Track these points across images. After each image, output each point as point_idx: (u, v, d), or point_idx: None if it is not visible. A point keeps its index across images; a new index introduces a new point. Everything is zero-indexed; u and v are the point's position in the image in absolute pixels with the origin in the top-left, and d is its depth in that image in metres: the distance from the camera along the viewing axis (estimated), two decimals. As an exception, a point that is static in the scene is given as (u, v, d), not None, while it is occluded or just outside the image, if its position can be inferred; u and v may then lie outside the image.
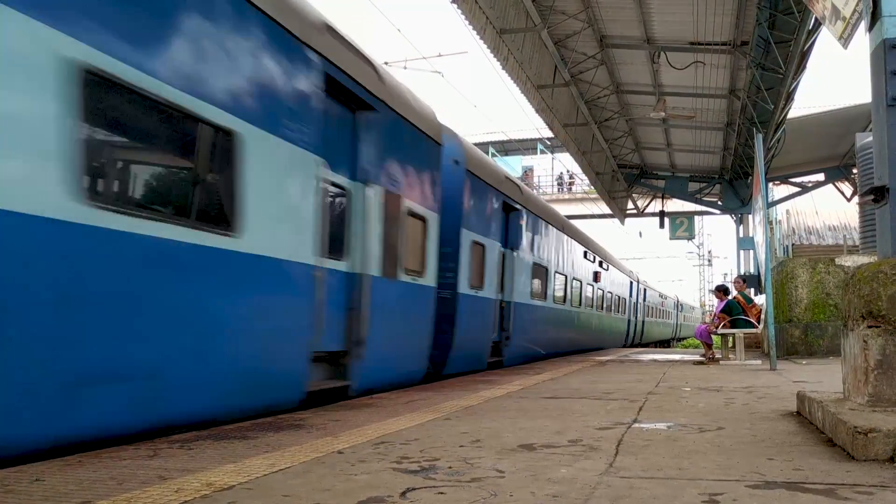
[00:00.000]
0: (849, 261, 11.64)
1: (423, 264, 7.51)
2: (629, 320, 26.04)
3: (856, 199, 20.95)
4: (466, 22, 12.27)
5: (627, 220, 28.95)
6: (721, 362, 11.26)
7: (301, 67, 5.22)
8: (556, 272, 14.01)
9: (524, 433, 3.86)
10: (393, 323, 6.84)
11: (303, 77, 5.23)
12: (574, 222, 18.49)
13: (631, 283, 26.33)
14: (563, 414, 4.69)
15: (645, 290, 31.00)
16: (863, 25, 4.10)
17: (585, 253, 17.15)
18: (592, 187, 25.23)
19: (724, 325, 11.46)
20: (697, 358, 12.55)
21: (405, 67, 24.66)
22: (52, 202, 3.31)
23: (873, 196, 3.87)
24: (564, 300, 15.13)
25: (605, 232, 48.99)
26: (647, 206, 27.46)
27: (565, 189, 41.59)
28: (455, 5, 11.86)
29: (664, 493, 2.48)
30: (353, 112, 6.24)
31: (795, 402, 4.62)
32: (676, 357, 13.91)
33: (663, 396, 5.77)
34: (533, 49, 14.58)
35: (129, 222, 3.74)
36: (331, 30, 5.71)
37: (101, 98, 3.68)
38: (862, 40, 4.16)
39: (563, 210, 21.53)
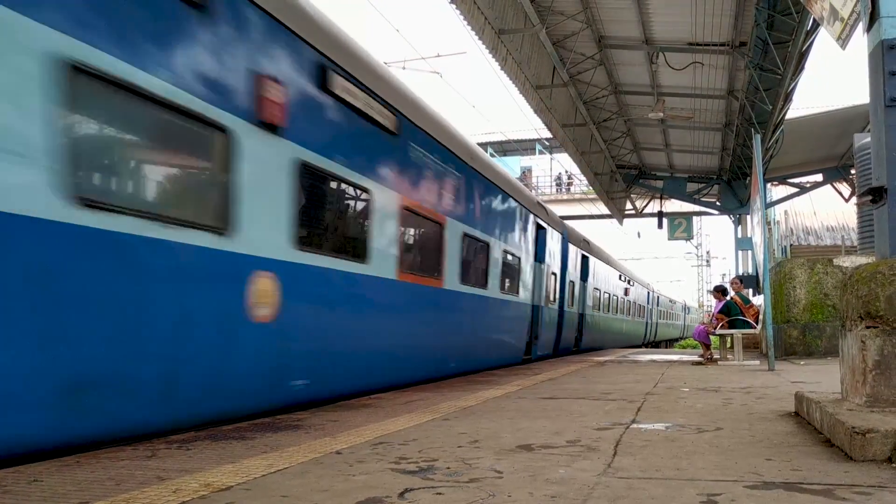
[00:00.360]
0: (847, 261, 11.64)
1: (555, 297, 14.00)
2: (647, 322, 32.03)
3: (854, 199, 20.98)
4: (465, 22, 12.26)
5: (626, 220, 28.96)
6: (719, 363, 11.27)
7: (534, 225, 11.96)
8: (604, 291, 20.54)
9: (522, 434, 3.86)
10: (545, 327, 13.04)
11: (534, 228, 12.03)
12: (572, 223, 18.93)
13: (648, 293, 32.80)
14: (562, 414, 4.69)
15: (658, 297, 37.67)
16: (861, 26, 4.10)
17: (620, 276, 23.86)
18: (591, 188, 25.23)
19: (722, 325, 11.46)
20: (696, 359, 12.56)
21: (404, 68, 24.62)
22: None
23: (871, 197, 3.87)
24: (608, 310, 21.63)
25: (603, 232, 49.01)
26: (646, 206, 27.46)
27: (564, 189, 41.57)
28: (453, 6, 11.85)
29: (662, 493, 2.48)
30: (537, 231, 12.29)
31: (794, 402, 4.63)
32: (675, 357, 13.91)
33: (661, 397, 5.77)
34: (531, 49, 14.58)
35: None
36: (539, 203, 12.95)
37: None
38: (860, 41, 4.16)
39: (561, 211, 21.87)
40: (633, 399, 5.58)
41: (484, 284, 9.34)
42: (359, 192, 6.06)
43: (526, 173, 43.68)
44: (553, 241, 13.45)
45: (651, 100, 16.88)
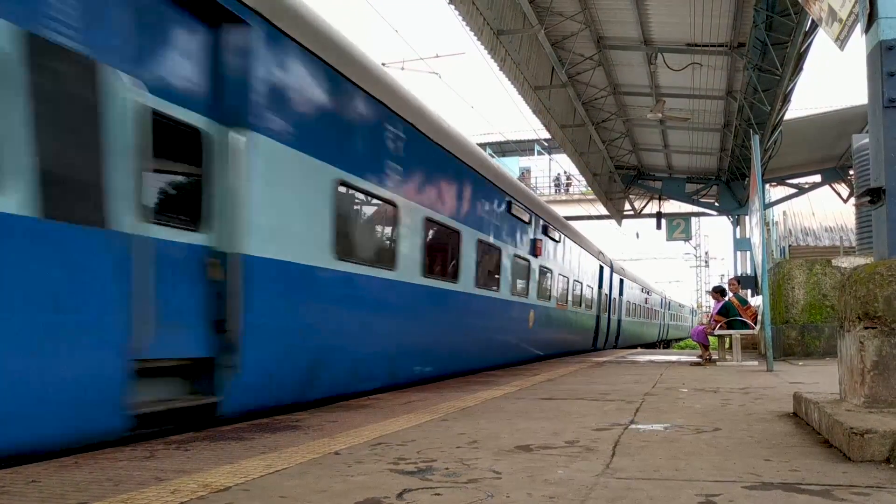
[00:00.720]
0: (845, 262, 11.64)
1: (605, 308, 20.44)
2: (660, 324, 38.75)
3: (852, 200, 21.00)
4: (464, 23, 12.26)
5: (625, 221, 28.99)
6: (718, 363, 11.27)
7: (598, 266, 19.14)
8: (632, 302, 27.02)
9: (521, 434, 3.86)
10: (601, 329, 20.08)
11: (598, 268, 19.23)
12: (571, 223, 18.96)
13: (661, 299, 39.76)
14: (560, 415, 4.69)
15: (669, 302, 45.01)
16: (859, 27, 4.10)
17: (642, 289, 30.51)
18: (590, 188, 25.24)
19: (720, 326, 11.47)
20: (694, 359, 12.56)
21: (402, 68, 24.60)
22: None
23: (870, 197, 3.87)
24: (635, 315, 28.22)
25: (602, 233, 48.95)
26: (644, 207, 27.46)
27: (563, 190, 41.59)
28: (452, 6, 11.86)
29: (661, 494, 2.48)
30: (598, 269, 19.26)
31: (792, 403, 4.63)
32: (673, 358, 13.91)
33: (660, 397, 5.77)
34: (530, 50, 14.59)
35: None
36: (600, 251, 19.97)
37: None
38: (859, 42, 4.17)
39: (560, 211, 21.98)
40: (632, 399, 5.58)
41: (580, 305, 16.79)
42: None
43: (525, 174, 43.70)
44: (605, 273, 20.37)
45: (650, 100, 16.89)
